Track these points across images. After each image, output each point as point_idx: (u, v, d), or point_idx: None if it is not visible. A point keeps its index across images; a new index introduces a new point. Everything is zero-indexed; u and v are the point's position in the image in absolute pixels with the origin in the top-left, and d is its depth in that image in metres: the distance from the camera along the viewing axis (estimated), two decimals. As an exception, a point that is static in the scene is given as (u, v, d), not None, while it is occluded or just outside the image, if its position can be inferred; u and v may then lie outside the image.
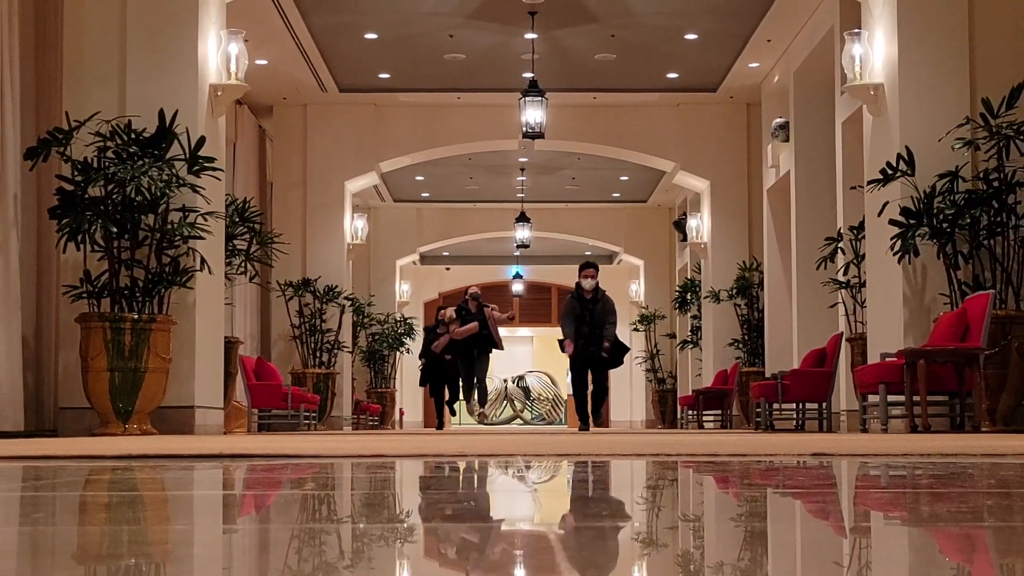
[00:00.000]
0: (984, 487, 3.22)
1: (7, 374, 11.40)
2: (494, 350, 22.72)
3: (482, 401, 22.48)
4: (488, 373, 23.24)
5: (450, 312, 22.66)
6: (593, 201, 32.95)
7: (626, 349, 19.81)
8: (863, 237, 14.75)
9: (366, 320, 27.64)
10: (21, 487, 3.51)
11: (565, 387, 47.21)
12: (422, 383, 24.83)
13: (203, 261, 12.42)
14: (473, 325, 21.92)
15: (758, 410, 18.18)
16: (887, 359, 12.75)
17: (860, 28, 14.11)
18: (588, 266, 19.08)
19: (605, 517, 2.75)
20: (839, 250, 16.37)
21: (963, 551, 1.93)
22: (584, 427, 19.50)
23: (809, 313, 18.88)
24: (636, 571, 1.79)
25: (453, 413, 24.40)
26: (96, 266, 12.10)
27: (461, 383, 23.00)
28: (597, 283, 18.91)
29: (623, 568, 1.84)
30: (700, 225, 25.23)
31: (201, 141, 12.45)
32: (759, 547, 2.06)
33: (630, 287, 36.00)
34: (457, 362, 22.54)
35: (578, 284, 18.94)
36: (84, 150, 12.08)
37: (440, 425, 24.47)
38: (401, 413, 33.29)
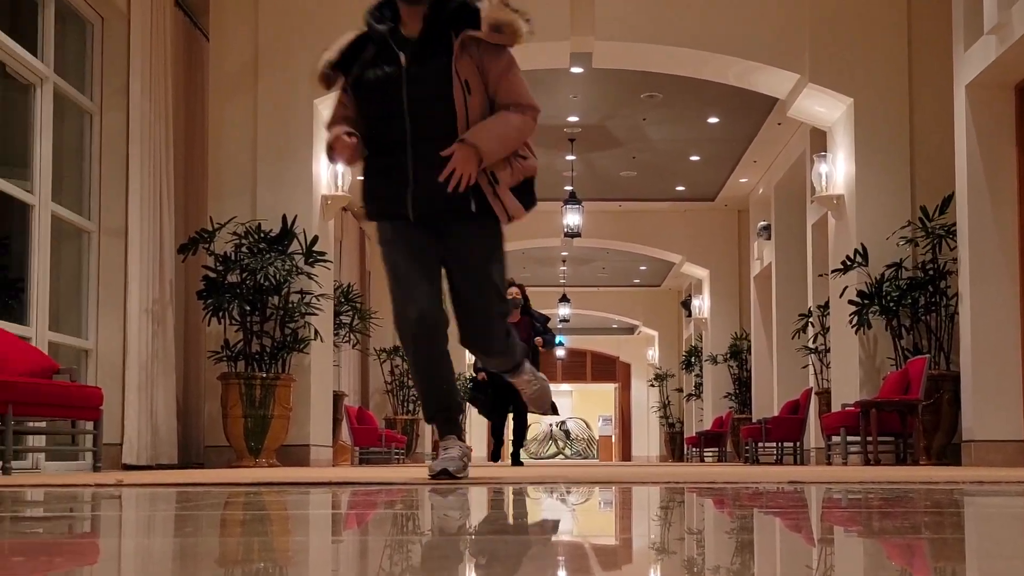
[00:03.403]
0: (922, 507, 3.20)
1: (164, 421, 11.46)
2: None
3: (518, 443, 14.33)
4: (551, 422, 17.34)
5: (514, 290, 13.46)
6: (618, 285, 33.00)
7: None
8: (828, 314, 14.69)
9: (442, 378, 27.60)
10: (175, 507, 3.52)
11: (597, 430, 47.16)
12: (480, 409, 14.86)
13: (316, 332, 12.48)
14: None
15: (746, 448, 18.08)
16: (847, 408, 12.73)
17: (826, 151, 14.13)
18: None
19: (626, 531, 2.74)
20: (809, 324, 16.32)
21: (905, 557, 1.93)
22: None
23: (786, 372, 18.83)
24: (652, 572, 1.79)
25: (517, 461, 14.35)
26: (233, 336, 12.18)
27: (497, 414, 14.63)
28: None
29: (639, 569, 1.84)
30: (701, 304, 25.32)
31: (315, 239, 12.53)
32: (748, 553, 2.05)
33: (647, 352, 36.07)
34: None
35: None
36: (224, 246, 12.20)
37: (497, 455, 17.39)
38: (469, 450, 33.23)
